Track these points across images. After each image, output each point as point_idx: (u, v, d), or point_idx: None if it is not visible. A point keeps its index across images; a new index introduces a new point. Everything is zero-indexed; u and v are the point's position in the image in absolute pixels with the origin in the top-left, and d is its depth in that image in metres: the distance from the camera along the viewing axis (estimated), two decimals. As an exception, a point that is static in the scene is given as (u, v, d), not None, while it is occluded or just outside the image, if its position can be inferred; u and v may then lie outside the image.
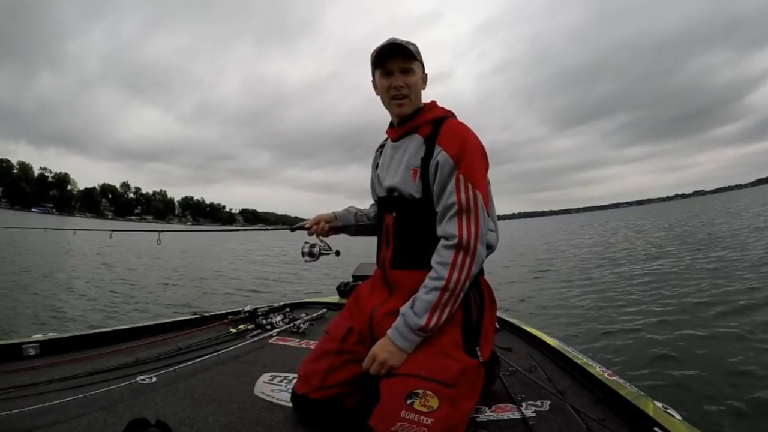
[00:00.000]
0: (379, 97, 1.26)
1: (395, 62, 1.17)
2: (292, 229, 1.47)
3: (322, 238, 1.41)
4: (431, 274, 1.06)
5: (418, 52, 1.18)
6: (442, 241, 1.07)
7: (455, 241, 1.04)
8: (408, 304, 1.08)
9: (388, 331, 1.08)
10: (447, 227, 1.07)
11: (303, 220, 1.44)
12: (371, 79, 1.26)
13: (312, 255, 1.42)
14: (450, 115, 1.22)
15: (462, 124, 1.17)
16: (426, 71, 1.24)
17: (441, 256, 1.06)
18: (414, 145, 1.18)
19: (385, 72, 1.19)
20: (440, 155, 1.09)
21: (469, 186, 1.07)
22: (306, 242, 1.43)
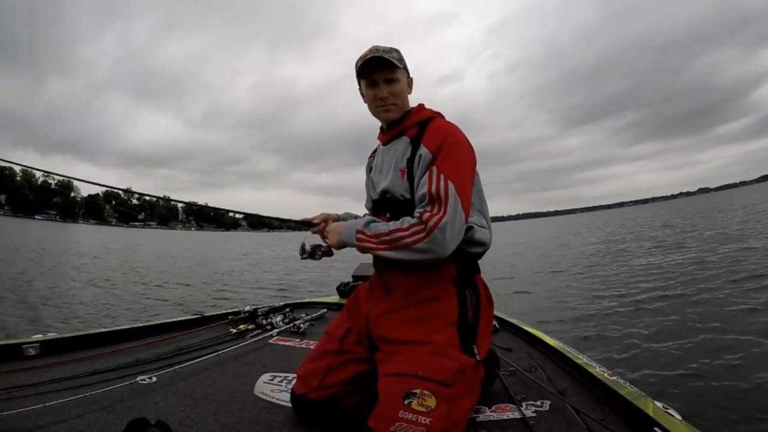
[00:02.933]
0: (365, 105, 1.26)
1: (379, 73, 1.18)
2: (296, 222, 1.38)
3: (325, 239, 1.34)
4: (395, 221, 1.10)
5: (401, 60, 1.19)
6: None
7: (417, 217, 1.05)
8: (372, 218, 1.17)
9: (350, 221, 1.21)
10: (417, 211, 1.07)
11: None
12: (357, 87, 1.26)
13: (313, 256, 1.31)
14: (437, 115, 1.22)
15: (448, 122, 1.18)
16: (411, 76, 1.25)
17: (405, 219, 1.08)
18: (401, 146, 1.19)
19: (370, 83, 1.20)
20: (421, 151, 1.11)
21: (441, 177, 1.06)
22: (306, 240, 1.35)
